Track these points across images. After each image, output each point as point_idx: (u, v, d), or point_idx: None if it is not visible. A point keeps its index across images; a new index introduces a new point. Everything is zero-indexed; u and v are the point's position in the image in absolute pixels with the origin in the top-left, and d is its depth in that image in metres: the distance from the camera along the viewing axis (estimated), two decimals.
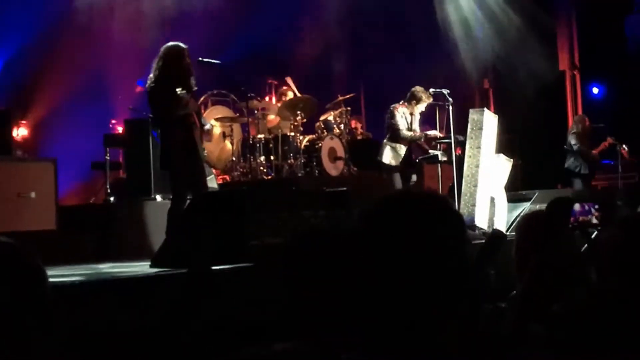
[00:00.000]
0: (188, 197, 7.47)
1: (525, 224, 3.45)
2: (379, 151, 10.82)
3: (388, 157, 10.65)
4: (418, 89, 10.63)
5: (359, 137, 13.77)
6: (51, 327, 1.74)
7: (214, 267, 5.99)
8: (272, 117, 12.19)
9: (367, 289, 1.85)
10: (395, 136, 10.60)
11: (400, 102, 10.67)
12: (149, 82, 7.55)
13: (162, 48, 7.59)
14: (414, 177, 10.92)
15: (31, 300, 1.72)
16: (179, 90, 7.32)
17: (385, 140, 10.75)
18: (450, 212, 1.92)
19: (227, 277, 5.98)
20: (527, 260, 3.21)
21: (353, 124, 13.95)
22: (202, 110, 10.28)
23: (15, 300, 1.69)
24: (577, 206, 8.05)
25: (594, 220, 8.12)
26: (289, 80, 12.69)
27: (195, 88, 7.82)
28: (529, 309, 2.56)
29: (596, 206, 8.38)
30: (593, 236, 3.73)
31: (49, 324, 1.74)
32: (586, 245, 3.73)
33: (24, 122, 11.78)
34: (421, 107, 10.67)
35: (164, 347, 5.16)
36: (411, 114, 10.69)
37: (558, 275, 2.50)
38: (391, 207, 1.91)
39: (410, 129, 10.66)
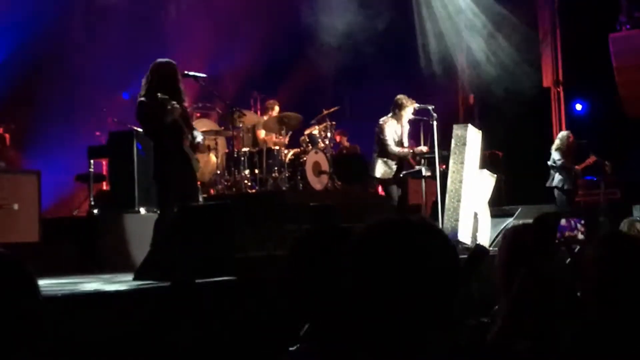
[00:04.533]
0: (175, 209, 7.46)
1: (510, 237, 3.45)
2: (366, 165, 10.82)
3: (380, 171, 10.64)
4: (400, 96, 10.64)
5: (344, 151, 13.81)
6: (43, 339, 1.74)
7: (197, 280, 5.97)
8: (262, 133, 12.22)
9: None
10: (385, 151, 10.60)
11: (388, 116, 10.68)
12: (138, 97, 7.56)
13: (152, 64, 7.63)
14: (399, 192, 10.93)
15: (26, 312, 1.72)
16: (160, 95, 7.31)
17: (375, 155, 10.74)
18: (448, 246, 1.96)
19: (211, 290, 5.97)
20: (512, 274, 3.20)
21: (338, 138, 13.99)
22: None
23: (10, 311, 1.69)
24: (563, 221, 8.10)
25: (580, 236, 8.16)
26: (275, 103, 12.71)
27: (185, 103, 7.84)
28: (515, 324, 2.57)
29: (582, 221, 8.42)
30: (576, 250, 3.73)
31: (41, 336, 1.74)
32: (569, 259, 3.73)
33: (7, 133, 11.71)
34: (407, 114, 10.65)
35: None
36: (400, 126, 10.69)
37: (545, 289, 2.52)
38: (388, 234, 1.95)
39: (400, 142, 10.67)
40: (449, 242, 1.99)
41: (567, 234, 8.21)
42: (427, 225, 2.00)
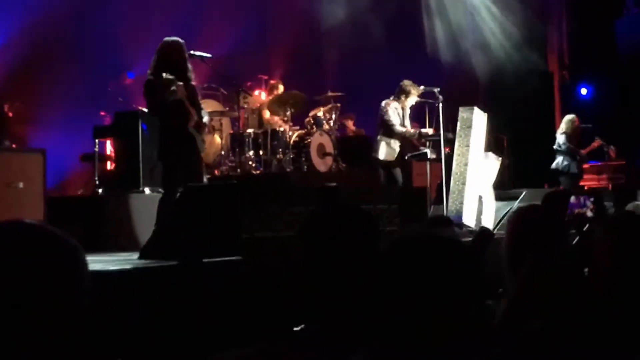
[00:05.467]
0: (180, 188, 7.46)
1: (519, 217, 3.44)
2: (372, 148, 10.80)
3: (383, 153, 10.60)
4: (406, 82, 10.60)
5: (350, 134, 13.80)
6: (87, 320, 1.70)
7: (204, 260, 5.98)
8: (267, 114, 12.19)
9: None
10: (389, 132, 10.56)
11: (391, 98, 10.65)
12: (147, 75, 7.57)
13: (160, 43, 7.63)
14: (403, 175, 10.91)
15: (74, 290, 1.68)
16: (165, 74, 7.32)
17: (379, 137, 10.70)
18: (473, 261, 2.03)
19: (218, 270, 5.98)
20: (518, 256, 3.20)
21: (344, 121, 13.99)
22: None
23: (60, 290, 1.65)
24: (572, 199, 8.09)
25: (589, 213, 8.13)
26: (279, 82, 12.67)
27: (193, 83, 7.84)
28: (523, 306, 2.57)
29: (591, 199, 8.40)
30: (585, 229, 3.73)
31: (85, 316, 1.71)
32: (578, 238, 3.74)
33: (13, 112, 11.70)
34: (411, 101, 10.64)
35: (153, 340, 5.16)
36: (402, 109, 10.66)
37: (556, 269, 2.51)
38: (413, 252, 2.02)
39: (402, 124, 10.64)
40: (474, 257, 2.06)
41: (576, 211, 8.18)
42: (453, 242, 2.07)
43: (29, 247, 1.63)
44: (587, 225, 3.92)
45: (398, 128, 10.51)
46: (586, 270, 2.82)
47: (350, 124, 14.17)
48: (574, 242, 3.84)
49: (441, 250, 2.02)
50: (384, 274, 2.04)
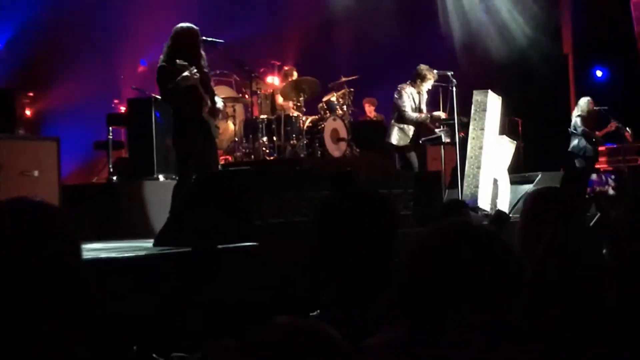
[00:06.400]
0: (194, 175, 7.45)
1: (534, 201, 3.40)
2: (386, 133, 10.77)
3: (396, 138, 10.57)
4: (422, 67, 10.56)
5: (369, 119, 13.74)
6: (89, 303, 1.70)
7: (219, 246, 5.98)
8: (280, 99, 12.16)
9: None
10: (402, 117, 10.53)
11: (407, 82, 10.61)
12: (159, 62, 7.54)
13: (174, 29, 7.59)
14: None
15: (67, 271, 1.68)
16: (179, 61, 7.30)
17: (392, 122, 10.68)
18: (510, 252, 2.01)
19: (232, 256, 5.98)
20: (534, 239, 3.16)
21: (366, 106, 13.94)
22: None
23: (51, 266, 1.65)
24: (594, 176, 8.03)
25: (611, 191, 8.07)
26: (293, 69, 12.62)
27: (207, 70, 7.81)
28: (540, 288, 2.54)
29: (612, 176, 8.31)
30: (605, 208, 3.69)
31: (86, 300, 1.70)
32: (598, 215, 3.70)
33: (27, 100, 11.73)
34: (427, 85, 10.60)
35: (168, 326, 5.16)
36: (418, 93, 10.61)
37: (574, 249, 2.48)
38: (447, 241, 2.01)
39: (418, 109, 10.59)
40: (509, 249, 2.03)
41: (598, 188, 8.13)
42: (489, 233, 2.06)
43: (10, 219, 1.64)
44: (608, 205, 3.88)
45: (409, 114, 10.46)
46: (605, 250, 2.79)
47: (371, 110, 14.12)
48: (594, 220, 3.80)
49: (481, 244, 2.00)
50: (419, 258, 2.02)
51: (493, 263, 1.98)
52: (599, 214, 3.66)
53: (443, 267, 1.98)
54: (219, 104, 7.83)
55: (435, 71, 10.52)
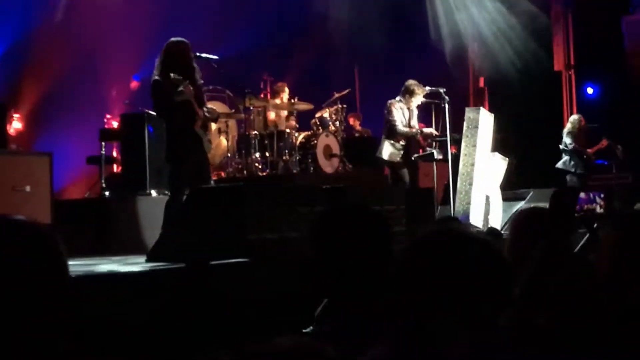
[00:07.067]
0: (187, 190, 7.44)
1: (520, 221, 3.43)
2: (377, 148, 10.77)
3: (387, 153, 10.56)
4: (411, 82, 10.54)
5: (356, 135, 13.79)
6: (73, 319, 1.71)
7: (211, 262, 5.97)
8: (272, 115, 12.18)
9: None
10: (392, 132, 10.53)
11: (397, 98, 10.61)
12: (152, 76, 7.56)
13: (166, 43, 7.62)
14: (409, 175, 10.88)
15: (54, 288, 1.68)
16: (173, 75, 7.31)
17: (383, 137, 10.68)
18: (500, 258, 1.99)
19: (225, 272, 5.97)
20: (522, 254, 3.18)
21: (351, 121, 13.97)
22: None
23: (38, 284, 1.66)
24: (582, 194, 8.05)
25: (599, 209, 8.08)
26: (284, 86, 12.65)
27: (201, 82, 7.84)
28: (533, 300, 2.55)
29: (601, 195, 8.33)
30: (594, 227, 3.71)
31: (70, 315, 1.71)
32: (588, 235, 3.71)
33: (18, 115, 11.72)
34: (416, 101, 10.57)
35: (161, 342, 5.15)
36: (408, 109, 10.61)
37: (564, 264, 2.49)
38: (436, 247, 1.99)
39: (408, 124, 10.59)
40: (495, 251, 2.03)
41: (586, 207, 8.15)
42: (478, 238, 2.06)
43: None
44: (596, 223, 3.90)
45: (400, 128, 10.45)
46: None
47: (356, 124, 14.16)
48: (584, 239, 3.82)
49: (472, 250, 2.00)
50: (410, 268, 2.02)
51: (485, 269, 1.98)
52: (588, 234, 3.67)
53: (433, 272, 1.97)
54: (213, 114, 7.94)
55: (426, 87, 10.52)
